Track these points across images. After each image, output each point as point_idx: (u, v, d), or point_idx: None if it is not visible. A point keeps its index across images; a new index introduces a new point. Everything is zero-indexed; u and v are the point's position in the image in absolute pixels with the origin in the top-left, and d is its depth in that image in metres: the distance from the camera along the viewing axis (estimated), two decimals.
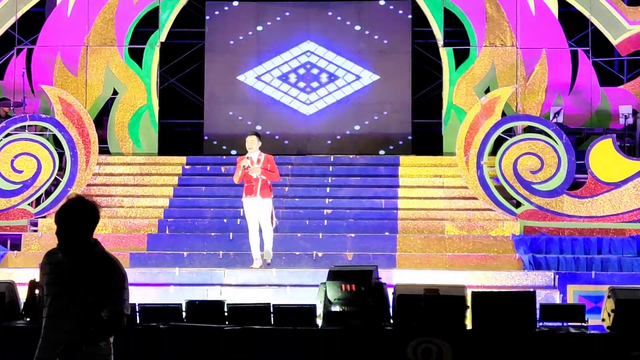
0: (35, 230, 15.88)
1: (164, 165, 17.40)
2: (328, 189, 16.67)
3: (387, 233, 15.51)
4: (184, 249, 14.99)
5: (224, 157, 17.93)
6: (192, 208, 16.36)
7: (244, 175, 13.74)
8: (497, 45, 17.78)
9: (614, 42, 17.75)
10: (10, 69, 18.16)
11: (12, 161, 16.30)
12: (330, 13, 18.83)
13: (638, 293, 10.07)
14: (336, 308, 10.13)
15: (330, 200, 16.41)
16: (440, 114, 17.96)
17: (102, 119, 18.09)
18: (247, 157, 13.80)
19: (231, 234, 14.84)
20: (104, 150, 17.58)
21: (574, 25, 18.10)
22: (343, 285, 10.14)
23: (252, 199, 13.72)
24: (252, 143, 13.88)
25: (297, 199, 16.18)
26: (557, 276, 13.35)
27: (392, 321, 10.04)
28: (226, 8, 18.94)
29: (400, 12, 18.71)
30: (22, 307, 10.42)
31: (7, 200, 16.14)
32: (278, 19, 18.85)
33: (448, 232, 15.59)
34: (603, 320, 10.17)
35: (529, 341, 9.72)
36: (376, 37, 18.72)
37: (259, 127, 18.31)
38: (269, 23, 18.85)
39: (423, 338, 9.62)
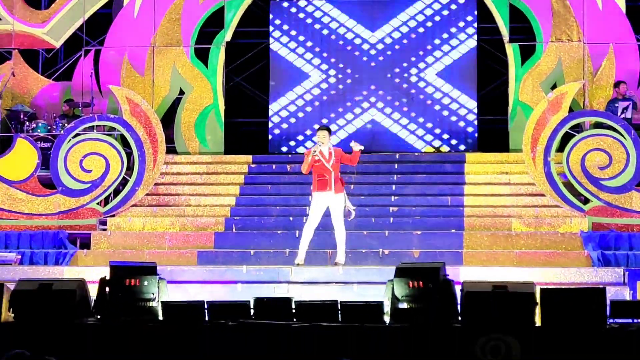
0: (104, 229, 16.07)
1: (230, 164, 17.52)
2: (394, 187, 16.65)
3: (453, 230, 15.47)
4: (251, 246, 15.11)
5: (290, 155, 17.98)
6: (258, 206, 16.45)
7: (312, 166, 13.68)
8: (563, 40, 17.61)
9: None
10: (78, 70, 18.39)
11: (81, 161, 16.53)
12: (395, 10, 18.72)
13: None
14: (404, 305, 10.11)
15: (396, 197, 16.39)
16: (507, 111, 17.84)
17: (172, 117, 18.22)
18: (318, 147, 13.62)
19: (297, 232, 14.84)
20: (171, 150, 17.73)
21: None
22: (410, 282, 10.13)
23: (325, 194, 13.61)
24: (325, 137, 13.75)
25: (362, 197, 16.16)
26: (626, 273, 13.16)
27: (460, 318, 10.00)
28: (290, 7, 18.93)
29: (466, 8, 18.57)
30: (92, 305, 10.56)
31: (77, 199, 16.36)
32: (341, 18, 18.75)
33: (515, 229, 15.50)
34: None
35: (599, 338, 9.62)
36: (441, 33, 18.59)
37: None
38: (332, 22, 18.79)
39: (492, 335, 9.57)
